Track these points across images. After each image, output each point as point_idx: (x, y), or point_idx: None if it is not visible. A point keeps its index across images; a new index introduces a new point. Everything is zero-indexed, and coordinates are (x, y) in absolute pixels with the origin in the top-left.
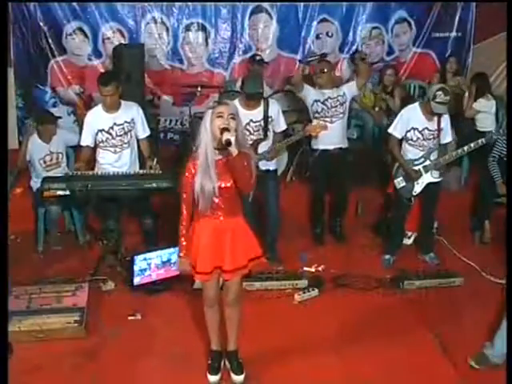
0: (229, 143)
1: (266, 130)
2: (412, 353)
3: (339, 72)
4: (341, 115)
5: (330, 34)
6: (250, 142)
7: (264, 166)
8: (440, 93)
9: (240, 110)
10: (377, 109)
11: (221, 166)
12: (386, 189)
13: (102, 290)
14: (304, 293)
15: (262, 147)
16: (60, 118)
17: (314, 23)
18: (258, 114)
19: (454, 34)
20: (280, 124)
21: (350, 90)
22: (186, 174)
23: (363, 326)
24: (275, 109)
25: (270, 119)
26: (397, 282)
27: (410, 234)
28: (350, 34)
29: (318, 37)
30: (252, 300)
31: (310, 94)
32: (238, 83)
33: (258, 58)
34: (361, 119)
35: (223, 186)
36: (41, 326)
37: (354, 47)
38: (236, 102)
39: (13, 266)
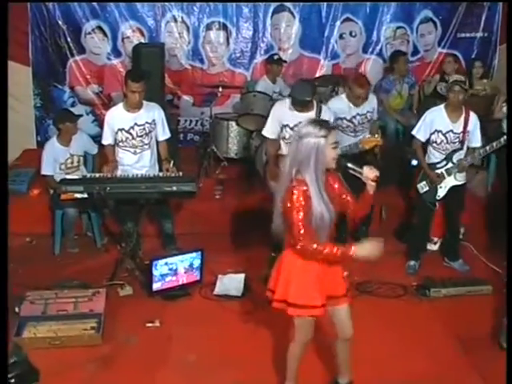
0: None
1: None
2: (438, 363)
3: (363, 73)
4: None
5: (353, 34)
6: None
7: None
8: (455, 83)
9: (291, 109)
10: (415, 111)
11: (329, 191)
12: (409, 192)
13: (119, 296)
14: None
15: None
16: (81, 116)
17: (338, 23)
18: (308, 117)
19: (479, 34)
20: None
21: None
22: (298, 205)
23: (388, 335)
24: (327, 115)
25: None
26: (423, 290)
27: (435, 239)
28: (374, 33)
29: (341, 36)
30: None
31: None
32: (262, 83)
33: (275, 57)
34: (383, 120)
35: (335, 211)
36: (56, 333)
37: (377, 47)
38: (287, 100)
39: (28, 270)
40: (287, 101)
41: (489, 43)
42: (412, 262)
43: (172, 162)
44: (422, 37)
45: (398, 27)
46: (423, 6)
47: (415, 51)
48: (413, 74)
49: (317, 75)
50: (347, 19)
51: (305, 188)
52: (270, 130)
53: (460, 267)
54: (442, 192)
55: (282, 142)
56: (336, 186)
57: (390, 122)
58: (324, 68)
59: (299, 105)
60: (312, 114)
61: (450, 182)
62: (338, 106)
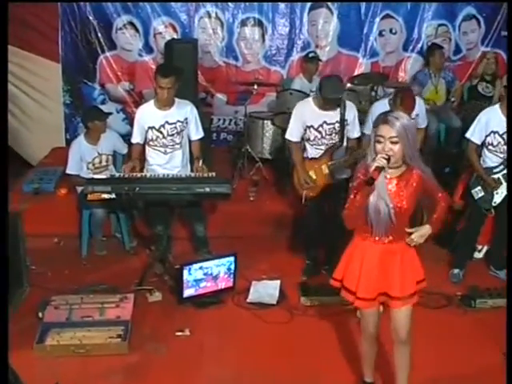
0: (371, 183)
1: (341, 134)
2: (483, 377)
3: (403, 72)
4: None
5: (393, 31)
6: (322, 148)
7: (339, 174)
8: None
9: (314, 109)
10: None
11: (393, 186)
12: (453, 197)
13: (147, 301)
14: None
15: (338, 153)
16: (111, 113)
17: (377, 19)
18: (333, 115)
19: None
20: (355, 130)
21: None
22: (358, 173)
23: (431, 347)
24: (352, 112)
25: (345, 122)
26: (468, 300)
27: (480, 247)
28: (415, 31)
29: (380, 34)
30: (311, 317)
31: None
32: (298, 81)
33: (311, 55)
34: None
35: (398, 208)
36: (81, 340)
37: (418, 45)
38: (310, 99)
39: (54, 272)
40: (310, 100)
41: None
42: (456, 271)
43: (202, 160)
44: (465, 35)
45: (440, 25)
46: (466, 3)
47: (457, 50)
48: (454, 72)
49: (355, 73)
50: (387, 16)
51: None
52: (293, 133)
53: (505, 277)
54: (498, 198)
55: (307, 144)
56: (416, 180)
57: (430, 122)
58: (362, 66)
59: (330, 103)
60: (337, 112)
61: (506, 187)
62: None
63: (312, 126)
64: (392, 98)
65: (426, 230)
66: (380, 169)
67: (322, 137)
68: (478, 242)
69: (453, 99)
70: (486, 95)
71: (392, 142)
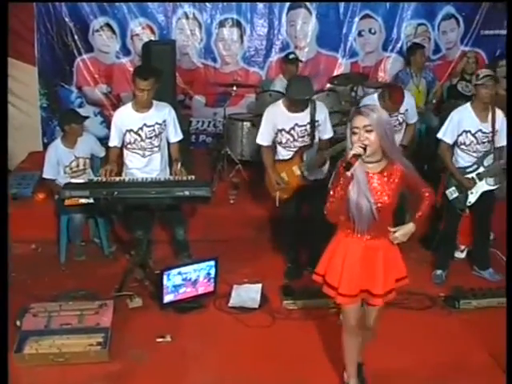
0: (348, 168)
1: (312, 135)
2: (470, 377)
3: (382, 72)
4: None
5: (372, 31)
6: (294, 150)
7: (311, 175)
8: (488, 78)
9: (284, 112)
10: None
11: (375, 181)
12: (436, 198)
13: (128, 308)
14: None
15: (308, 154)
16: (88, 117)
17: (356, 19)
18: (304, 117)
19: (504, 31)
20: (327, 130)
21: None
22: (337, 176)
23: (416, 349)
24: (323, 112)
25: (316, 123)
26: (451, 301)
27: (462, 247)
28: (394, 30)
29: (360, 34)
30: (294, 320)
31: None
32: (278, 83)
33: (291, 56)
34: None
35: (380, 204)
36: (60, 349)
37: (398, 45)
38: (280, 102)
39: (33, 279)
40: (280, 103)
41: None
42: (439, 272)
43: (180, 163)
44: (444, 34)
45: (419, 24)
46: (445, 2)
47: (437, 49)
48: (434, 72)
49: (335, 73)
50: (366, 16)
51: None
52: (264, 137)
53: (490, 276)
54: (472, 198)
55: (278, 147)
56: (398, 175)
57: None
58: (342, 67)
59: (297, 104)
60: (307, 113)
61: (481, 187)
62: None
63: (283, 129)
64: (380, 92)
65: (409, 228)
66: (357, 156)
67: (295, 139)
68: (460, 242)
69: (434, 101)
70: (466, 94)
71: (367, 131)
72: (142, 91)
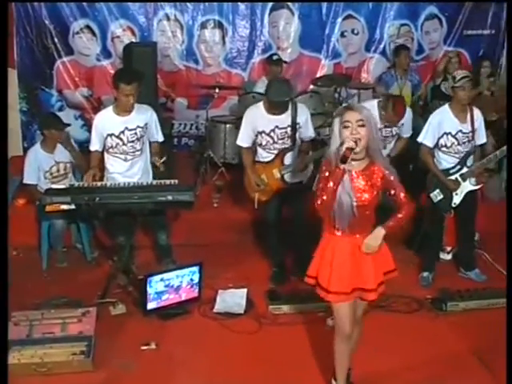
0: (344, 161)
1: (293, 138)
2: (458, 380)
3: (365, 73)
4: None
5: (355, 32)
6: (275, 152)
7: (291, 178)
8: (465, 80)
9: (264, 114)
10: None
11: (357, 179)
12: (420, 198)
13: (111, 315)
14: None
15: (289, 157)
16: (69, 125)
17: (339, 20)
18: (284, 119)
19: (486, 31)
20: (308, 132)
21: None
22: (323, 174)
23: (404, 352)
24: (304, 114)
25: (297, 126)
26: (439, 304)
27: (448, 248)
28: (377, 31)
29: (342, 34)
30: (280, 325)
31: None
32: (260, 84)
33: (275, 57)
34: None
35: (361, 202)
36: (42, 358)
37: (381, 46)
38: (260, 104)
39: (14, 286)
40: (260, 105)
41: (496, 40)
42: (426, 274)
43: (163, 158)
44: (427, 34)
45: (402, 24)
46: (428, 2)
47: (420, 50)
48: (418, 73)
49: (317, 75)
50: (349, 16)
51: (327, 167)
52: (244, 139)
53: (477, 277)
54: (457, 199)
55: (259, 149)
56: (381, 175)
57: None
58: (325, 68)
59: (276, 107)
60: (287, 115)
61: (465, 187)
62: None
63: (263, 132)
64: (382, 101)
65: (377, 233)
66: (350, 149)
67: (274, 142)
68: (446, 244)
69: (420, 103)
70: (450, 95)
71: (359, 126)
72: (127, 96)
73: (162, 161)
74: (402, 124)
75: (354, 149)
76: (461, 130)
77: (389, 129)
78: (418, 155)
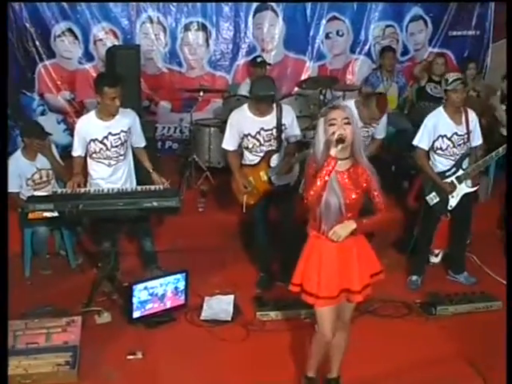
0: (342, 140)
1: (279, 139)
2: None
3: (350, 74)
4: None
5: (340, 33)
6: (261, 154)
7: (278, 180)
8: (457, 82)
9: (249, 116)
10: (405, 110)
11: (343, 179)
12: (408, 201)
13: (96, 323)
14: None
15: (275, 159)
16: (50, 134)
17: (324, 21)
18: (270, 121)
19: (471, 32)
20: (294, 133)
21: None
22: (309, 170)
23: (393, 358)
24: (289, 115)
25: (283, 127)
26: (428, 308)
27: (437, 251)
28: (362, 32)
29: (327, 36)
30: (268, 332)
31: None
32: (245, 87)
33: (259, 59)
34: None
35: (348, 200)
36: (27, 370)
37: (366, 47)
38: (245, 107)
39: None
40: (245, 107)
41: (481, 41)
42: (414, 277)
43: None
44: (412, 35)
45: (387, 26)
46: (413, 3)
47: (405, 51)
48: (403, 74)
49: (302, 77)
50: (333, 18)
51: (314, 165)
52: (229, 142)
53: (466, 280)
54: (454, 202)
55: (245, 152)
56: (365, 177)
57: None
58: (310, 69)
59: (262, 102)
60: (273, 117)
61: (461, 190)
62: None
63: (249, 134)
64: (363, 98)
65: (348, 224)
66: (342, 140)
67: (261, 144)
68: (434, 247)
69: (405, 111)
70: (435, 96)
71: (345, 123)
72: (113, 99)
73: (156, 176)
74: (378, 124)
75: (344, 140)
76: (456, 133)
77: (365, 129)
78: (402, 156)
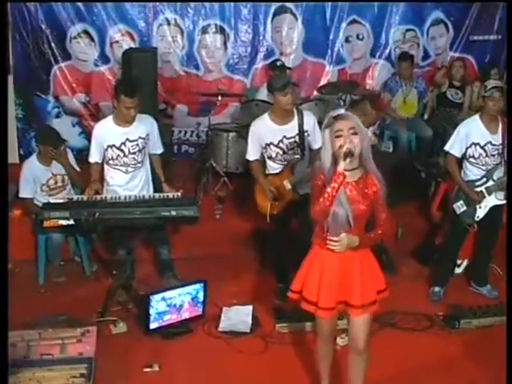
0: (351, 154)
1: (302, 147)
2: None
3: (370, 79)
4: None
5: (360, 37)
6: (285, 163)
7: (302, 189)
8: (495, 90)
9: (270, 125)
10: (426, 116)
11: (351, 190)
12: (431, 209)
13: (112, 333)
14: (347, 335)
15: (299, 167)
16: (65, 141)
17: (343, 25)
18: (291, 128)
19: (493, 36)
20: (317, 139)
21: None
22: (317, 181)
23: (416, 372)
24: (311, 121)
25: (305, 134)
26: (451, 321)
27: (460, 261)
28: (383, 36)
29: (347, 40)
30: (288, 345)
31: None
32: (263, 91)
33: (279, 63)
34: (394, 130)
35: (356, 213)
36: (41, 382)
37: (386, 51)
38: (266, 115)
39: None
40: (266, 116)
41: (503, 46)
42: (437, 289)
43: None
44: (433, 40)
45: (408, 29)
46: (434, 7)
47: (426, 55)
48: (423, 79)
49: (322, 81)
50: (354, 21)
51: (322, 177)
52: (252, 153)
53: (489, 293)
54: (481, 213)
55: (268, 161)
56: (374, 189)
57: (401, 133)
58: (329, 74)
59: (283, 89)
60: (294, 124)
61: (490, 201)
62: None
63: (272, 143)
64: (356, 104)
65: (351, 241)
66: (350, 154)
67: (284, 152)
68: (458, 257)
69: (425, 116)
70: (456, 102)
71: (352, 134)
72: (129, 109)
73: (167, 188)
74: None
75: (352, 153)
76: (490, 142)
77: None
78: (427, 163)
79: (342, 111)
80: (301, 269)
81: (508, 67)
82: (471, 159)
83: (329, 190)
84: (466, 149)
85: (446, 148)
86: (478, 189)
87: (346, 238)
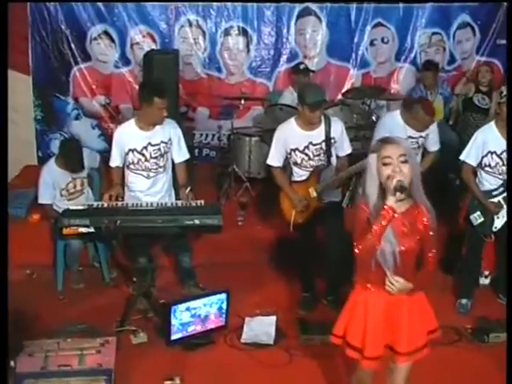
0: (403, 188)
1: (328, 154)
2: None
3: (395, 83)
4: None
5: (385, 40)
6: (310, 169)
7: (328, 196)
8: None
9: (297, 130)
10: (451, 122)
11: (399, 225)
12: (458, 219)
13: (132, 344)
14: None
15: (324, 175)
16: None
17: (368, 28)
18: (318, 135)
19: None
20: (344, 146)
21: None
22: (361, 215)
23: None
24: (338, 128)
25: (332, 141)
26: (480, 334)
27: (487, 273)
28: (408, 39)
29: (372, 43)
30: (313, 358)
31: None
32: (288, 95)
33: (302, 66)
34: None
35: (404, 248)
36: None
37: (411, 55)
38: (292, 120)
39: (26, 310)
40: (292, 121)
41: None
42: (464, 301)
43: (189, 188)
44: (459, 44)
45: (434, 33)
46: (461, 10)
47: (452, 59)
48: (448, 84)
49: (346, 85)
50: (379, 24)
51: (367, 209)
52: (275, 158)
53: None
54: (499, 223)
55: (294, 168)
56: (424, 221)
57: None
58: (353, 77)
59: (315, 108)
60: (321, 130)
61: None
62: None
63: (297, 149)
64: (406, 107)
65: (406, 287)
66: (403, 188)
67: (310, 159)
68: (484, 268)
69: (450, 122)
70: (482, 107)
71: (402, 162)
72: (161, 110)
73: (188, 191)
74: (427, 135)
75: (406, 188)
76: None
77: (414, 139)
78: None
79: (388, 120)
80: (343, 311)
81: (508, 67)
82: (487, 168)
83: (376, 227)
84: (482, 158)
85: (462, 157)
86: (495, 199)
87: (401, 284)
